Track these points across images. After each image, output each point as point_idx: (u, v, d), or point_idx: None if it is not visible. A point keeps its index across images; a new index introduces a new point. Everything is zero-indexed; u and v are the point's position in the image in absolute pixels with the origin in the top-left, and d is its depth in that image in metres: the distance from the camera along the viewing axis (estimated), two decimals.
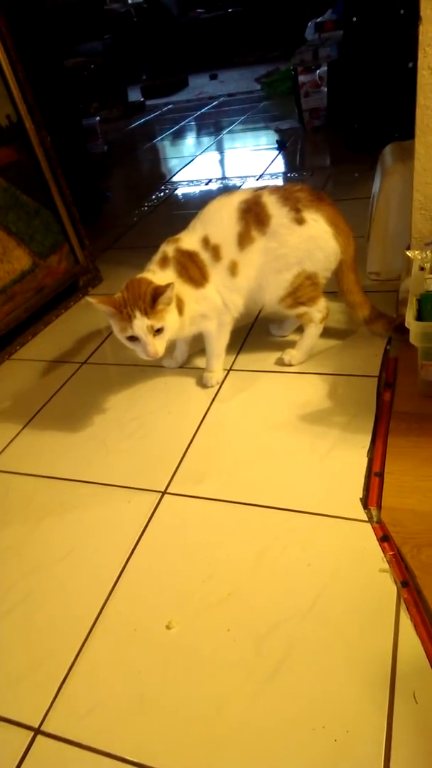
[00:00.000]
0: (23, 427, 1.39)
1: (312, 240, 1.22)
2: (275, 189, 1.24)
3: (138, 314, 1.10)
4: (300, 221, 1.20)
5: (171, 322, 1.15)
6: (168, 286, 1.10)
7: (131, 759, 0.73)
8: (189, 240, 1.25)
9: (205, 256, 1.24)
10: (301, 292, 1.28)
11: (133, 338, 1.13)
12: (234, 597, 0.90)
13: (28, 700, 0.82)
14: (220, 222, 1.24)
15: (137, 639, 0.87)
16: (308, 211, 1.21)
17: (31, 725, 0.79)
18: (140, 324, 1.10)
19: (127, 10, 6.50)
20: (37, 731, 0.79)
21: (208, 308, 1.28)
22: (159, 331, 1.13)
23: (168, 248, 1.25)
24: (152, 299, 1.10)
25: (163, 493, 1.11)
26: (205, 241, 1.24)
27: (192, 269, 1.24)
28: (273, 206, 1.21)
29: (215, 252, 1.24)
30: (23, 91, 1.72)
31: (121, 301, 1.12)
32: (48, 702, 0.81)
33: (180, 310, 1.20)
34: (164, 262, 1.24)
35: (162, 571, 0.97)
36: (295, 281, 1.26)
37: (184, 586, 0.93)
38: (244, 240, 1.22)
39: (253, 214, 1.21)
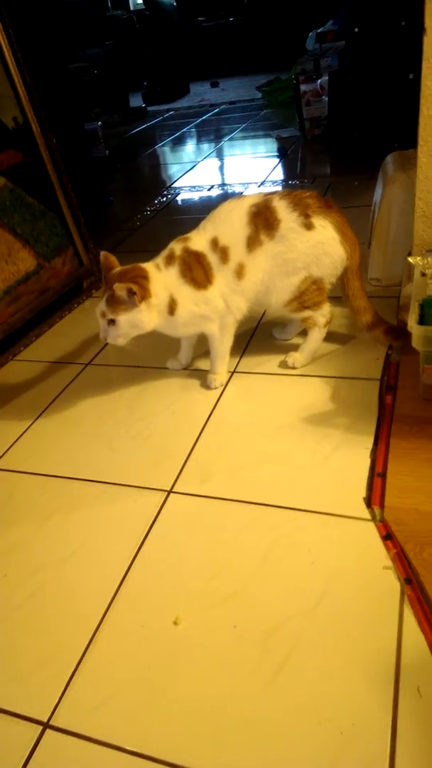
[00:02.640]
0: (28, 428, 1.40)
1: (320, 245, 1.24)
2: (285, 194, 1.26)
3: (104, 298, 1.22)
4: (309, 226, 1.23)
5: (125, 320, 1.21)
6: (129, 288, 1.17)
7: (139, 752, 0.74)
8: (198, 240, 1.28)
9: (212, 258, 1.27)
10: (306, 296, 1.30)
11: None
12: (240, 594, 0.91)
13: (37, 694, 0.83)
14: (230, 224, 1.26)
15: (145, 635, 0.88)
16: (317, 217, 1.23)
17: (40, 720, 0.80)
18: (99, 306, 1.23)
19: (129, 16, 6.55)
20: (46, 725, 0.79)
21: (208, 310, 1.30)
22: (111, 321, 1.21)
23: (176, 246, 1.28)
24: (112, 292, 1.18)
25: (169, 492, 1.13)
26: (214, 243, 1.26)
27: (196, 270, 1.26)
28: (283, 211, 1.24)
29: (223, 254, 1.26)
30: (30, 94, 1.75)
31: (114, 275, 1.23)
32: (57, 697, 0.82)
33: (171, 310, 1.25)
34: (170, 260, 1.27)
35: (168, 569, 0.98)
36: (301, 285, 1.28)
37: (190, 584, 0.94)
38: (252, 243, 1.25)
39: (263, 218, 1.24)
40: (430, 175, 1.27)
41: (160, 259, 1.28)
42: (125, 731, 0.77)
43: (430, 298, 1.13)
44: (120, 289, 1.17)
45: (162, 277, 1.25)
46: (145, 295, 1.20)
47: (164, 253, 1.29)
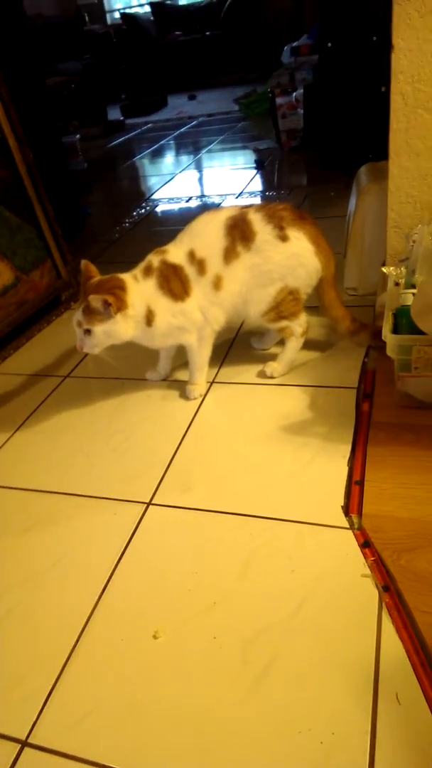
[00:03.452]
0: (6, 441, 1.39)
1: (295, 257, 1.26)
2: (261, 207, 1.28)
3: (81, 307, 1.22)
4: (284, 238, 1.25)
5: (101, 331, 1.22)
6: (105, 299, 1.18)
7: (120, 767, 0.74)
8: (175, 253, 1.29)
9: (189, 270, 1.27)
10: (283, 306, 1.31)
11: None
12: (220, 605, 0.91)
13: (15, 712, 0.82)
14: (206, 237, 1.27)
15: (124, 649, 0.87)
16: (291, 229, 1.25)
17: (18, 738, 0.79)
18: (76, 316, 1.23)
19: (106, 31, 6.61)
20: (24, 743, 0.78)
21: (185, 322, 1.31)
22: (87, 331, 1.22)
23: (154, 259, 1.29)
24: (88, 303, 1.19)
25: (148, 504, 1.13)
26: (191, 255, 1.27)
27: (174, 282, 1.27)
28: (258, 223, 1.25)
29: (200, 266, 1.27)
30: (6, 109, 1.74)
31: (91, 285, 1.23)
32: (35, 713, 0.81)
33: (149, 321, 1.26)
34: (148, 272, 1.28)
35: (148, 581, 0.97)
36: (278, 296, 1.30)
37: (170, 596, 0.94)
38: (229, 255, 1.26)
39: (239, 231, 1.25)
40: (402, 186, 1.30)
41: (137, 271, 1.29)
42: (106, 747, 0.76)
43: (403, 308, 1.15)
44: (95, 301, 1.18)
45: (139, 289, 1.25)
46: (121, 306, 1.21)
47: (142, 264, 1.30)
